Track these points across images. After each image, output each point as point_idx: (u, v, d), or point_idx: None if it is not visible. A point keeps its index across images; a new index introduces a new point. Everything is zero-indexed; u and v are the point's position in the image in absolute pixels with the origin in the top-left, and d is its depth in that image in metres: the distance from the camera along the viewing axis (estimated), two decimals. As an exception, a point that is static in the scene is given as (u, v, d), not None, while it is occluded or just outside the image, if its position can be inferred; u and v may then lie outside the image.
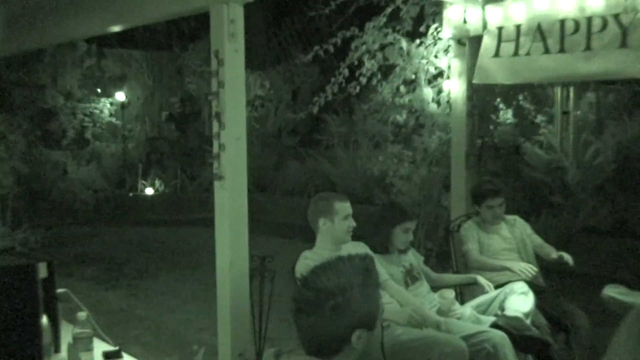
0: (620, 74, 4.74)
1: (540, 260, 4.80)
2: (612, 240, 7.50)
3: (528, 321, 3.95)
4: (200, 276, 7.75)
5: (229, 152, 4.23)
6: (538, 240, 4.88)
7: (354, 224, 3.84)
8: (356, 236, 3.93)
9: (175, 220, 12.45)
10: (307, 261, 3.67)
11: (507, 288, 4.17)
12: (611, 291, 4.16)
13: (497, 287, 4.32)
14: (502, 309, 4.07)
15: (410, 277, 4.19)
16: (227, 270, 4.37)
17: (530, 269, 4.41)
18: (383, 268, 3.98)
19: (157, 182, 13.48)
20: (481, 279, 4.39)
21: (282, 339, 5.05)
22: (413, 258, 4.35)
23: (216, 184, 4.34)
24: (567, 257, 4.51)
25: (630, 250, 6.71)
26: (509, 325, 3.82)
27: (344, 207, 3.81)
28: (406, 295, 3.92)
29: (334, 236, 3.79)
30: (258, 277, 4.66)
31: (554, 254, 4.59)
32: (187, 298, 7.09)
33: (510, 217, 4.92)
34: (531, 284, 4.33)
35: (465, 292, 4.71)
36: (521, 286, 4.13)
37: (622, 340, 1.52)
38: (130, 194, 13.40)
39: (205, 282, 7.07)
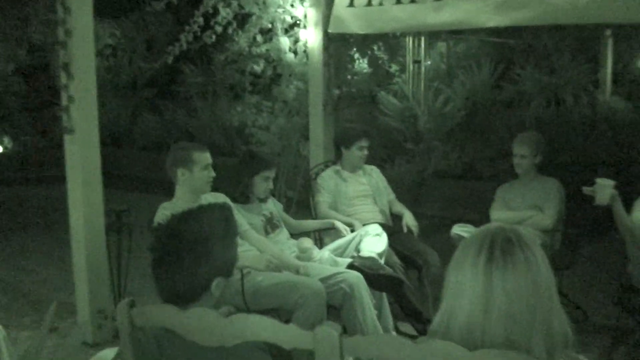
0: (468, 24, 4.90)
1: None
2: (461, 184, 7.87)
3: (382, 261, 4.13)
4: (56, 235, 7.47)
5: (79, 105, 4.09)
6: (392, 195, 5.09)
7: (213, 174, 3.80)
8: (216, 188, 3.91)
9: (27, 178, 11.88)
10: (165, 212, 3.61)
11: (362, 231, 4.32)
12: (458, 230, 4.42)
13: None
14: (358, 250, 4.22)
15: (270, 225, 4.25)
16: (82, 227, 4.27)
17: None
18: (243, 218, 4.01)
19: (5, 139, 12.78)
20: (338, 224, 4.53)
21: (143, 294, 4.99)
22: (273, 206, 4.40)
23: (66, 137, 4.20)
24: (413, 228, 4.71)
25: (478, 192, 7.06)
26: (363, 266, 3.98)
27: (203, 157, 3.76)
28: (265, 243, 3.97)
29: (193, 187, 3.75)
30: (115, 232, 4.57)
31: (404, 219, 4.80)
32: (43, 258, 6.84)
33: (367, 167, 5.08)
34: (384, 226, 4.53)
35: (324, 237, 4.84)
36: (375, 228, 4.30)
37: (450, 268, 1.63)
38: (-23, 152, 12.66)
39: (61, 240, 6.82)
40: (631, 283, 4.06)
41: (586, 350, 4.17)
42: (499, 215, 4.76)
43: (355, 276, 3.77)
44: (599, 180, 3.96)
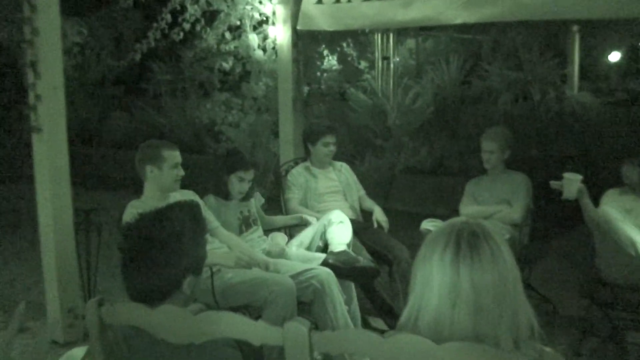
0: (437, 21, 4.93)
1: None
2: (431, 179, 7.92)
3: (350, 249, 4.16)
4: (24, 234, 7.38)
5: (47, 103, 4.06)
6: (362, 191, 5.13)
7: (182, 172, 3.77)
8: (185, 185, 3.89)
9: (-6, 177, 11.70)
10: (134, 210, 3.58)
11: (324, 220, 4.32)
12: (428, 225, 4.45)
13: None
14: (324, 240, 4.25)
15: (245, 224, 4.24)
16: (51, 226, 4.24)
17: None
18: (221, 213, 4.01)
19: (-29, 139, 12.58)
20: (308, 217, 4.55)
21: (113, 292, 4.96)
22: (254, 205, 4.39)
23: (34, 137, 4.17)
24: (383, 223, 4.72)
25: (447, 187, 7.11)
26: (338, 262, 3.99)
27: (173, 155, 3.73)
28: (235, 240, 3.95)
29: (162, 184, 3.72)
30: (84, 231, 4.53)
31: (374, 215, 4.82)
32: (12, 257, 6.75)
33: (337, 163, 5.10)
34: (354, 221, 4.55)
35: (294, 232, 4.84)
36: (337, 215, 4.31)
37: (417, 262, 1.65)
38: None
39: (30, 240, 6.75)
40: (599, 276, 4.13)
41: (555, 342, 4.24)
42: (468, 210, 4.80)
43: (326, 272, 3.77)
44: (566, 175, 4.02)
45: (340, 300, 3.81)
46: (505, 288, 1.57)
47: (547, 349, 1.42)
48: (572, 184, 3.96)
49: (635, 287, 3.91)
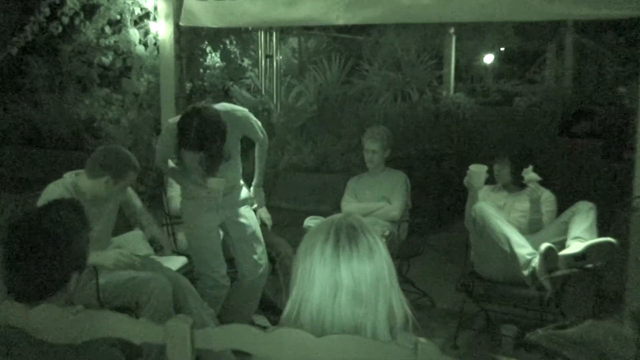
0: (319, 21, 4.99)
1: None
2: (313, 177, 8.01)
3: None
4: None
5: None
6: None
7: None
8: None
9: None
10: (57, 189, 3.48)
11: None
12: (310, 222, 4.53)
13: None
14: None
15: None
16: None
17: None
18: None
19: None
20: None
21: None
22: None
23: None
24: (266, 221, 4.76)
25: (330, 185, 7.22)
26: None
27: (132, 178, 3.66)
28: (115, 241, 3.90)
29: (100, 194, 3.58)
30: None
31: (257, 213, 4.84)
32: None
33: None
34: None
35: (177, 231, 4.82)
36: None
37: (299, 257, 1.70)
38: None
39: None
40: (473, 269, 4.31)
41: (433, 335, 4.39)
42: (349, 207, 4.91)
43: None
44: (472, 167, 4.21)
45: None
46: (382, 277, 1.64)
47: (422, 340, 1.48)
48: (480, 176, 4.18)
49: (509, 281, 4.09)
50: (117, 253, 3.47)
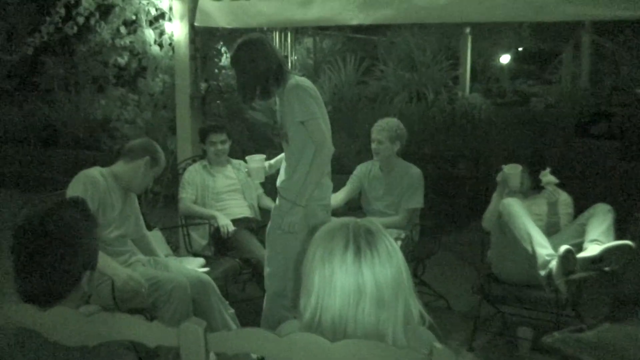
0: (334, 21, 4.98)
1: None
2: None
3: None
4: None
5: None
6: (260, 190, 5.17)
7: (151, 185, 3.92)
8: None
9: None
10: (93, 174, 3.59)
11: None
12: (252, 163, 4.59)
13: None
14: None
15: None
16: None
17: (228, 226, 4.66)
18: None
19: None
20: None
21: (4, 293, 4.79)
22: None
23: None
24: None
25: (344, 185, 7.18)
26: None
27: (159, 171, 3.84)
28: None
29: (132, 179, 3.73)
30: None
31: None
32: None
33: (236, 161, 5.10)
34: (252, 220, 4.79)
35: (192, 231, 4.83)
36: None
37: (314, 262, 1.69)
38: None
39: None
40: (490, 271, 4.27)
41: (448, 338, 4.37)
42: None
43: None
44: (506, 169, 4.18)
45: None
46: (402, 280, 1.63)
47: (438, 345, 1.47)
48: (515, 177, 4.17)
49: (525, 283, 4.06)
50: (128, 276, 3.43)
